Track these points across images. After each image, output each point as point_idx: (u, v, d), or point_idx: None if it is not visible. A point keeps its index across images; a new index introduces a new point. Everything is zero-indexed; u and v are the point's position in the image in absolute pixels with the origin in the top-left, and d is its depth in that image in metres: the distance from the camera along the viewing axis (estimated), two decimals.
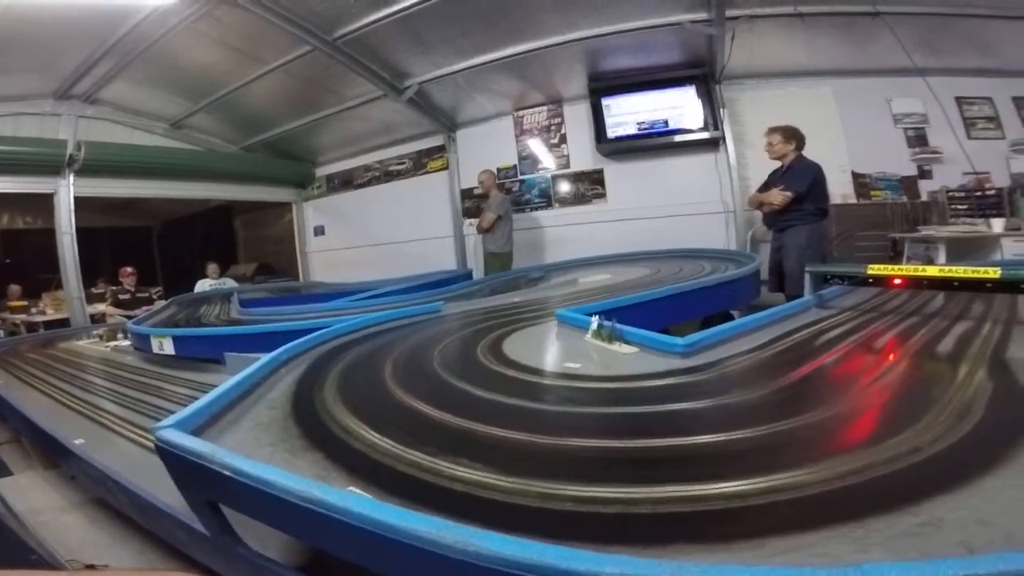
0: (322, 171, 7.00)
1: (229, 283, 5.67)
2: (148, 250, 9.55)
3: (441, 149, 6.01)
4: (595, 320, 1.64)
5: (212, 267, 5.80)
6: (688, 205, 4.87)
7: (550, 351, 1.66)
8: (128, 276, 5.25)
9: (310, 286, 6.18)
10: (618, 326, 1.57)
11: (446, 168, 5.97)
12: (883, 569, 0.40)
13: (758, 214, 3.94)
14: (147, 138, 5.70)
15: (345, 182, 6.80)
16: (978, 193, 4.14)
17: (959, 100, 4.50)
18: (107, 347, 3.17)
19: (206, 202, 7.58)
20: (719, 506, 0.68)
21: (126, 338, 3.12)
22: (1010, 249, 3.60)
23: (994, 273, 1.60)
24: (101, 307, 5.21)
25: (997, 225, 3.73)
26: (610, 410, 1.09)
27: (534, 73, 4.97)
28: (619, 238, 4.81)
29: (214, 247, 7.91)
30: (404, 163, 6.31)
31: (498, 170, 5.57)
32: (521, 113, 5.59)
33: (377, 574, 0.62)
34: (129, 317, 4.23)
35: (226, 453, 0.76)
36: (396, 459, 0.88)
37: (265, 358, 1.45)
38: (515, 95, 5.41)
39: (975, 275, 1.63)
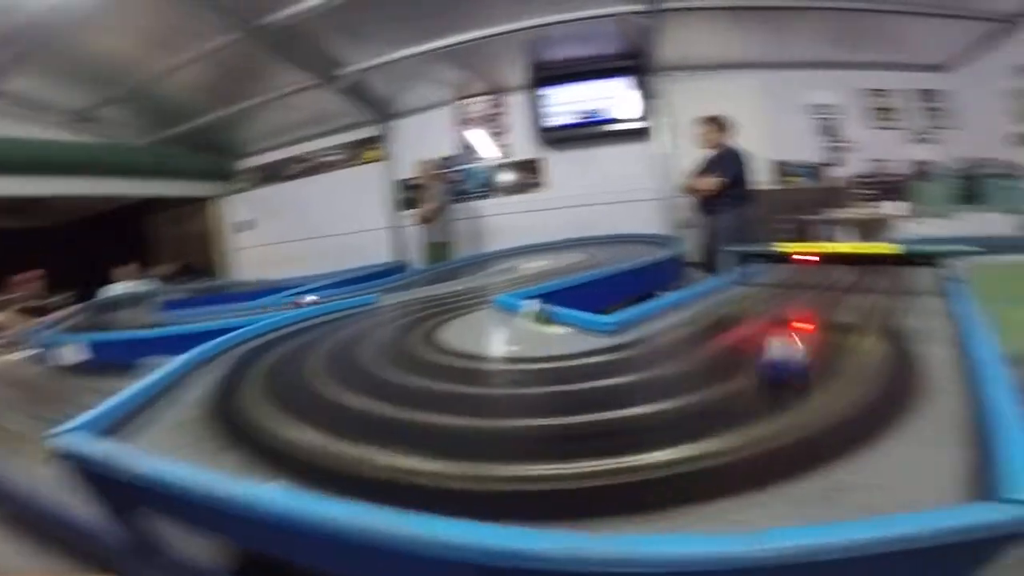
0: (248, 163, 6.60)
1: (148, 285, 5.26)
2: (56, 253, 8.68)
3: (377, 139, 5.84)
4: (530, 304, 1.65)
5: (128, 269, 5.35)
6: (623, 192, 5.01)
7: (486, 336, 1.66)
8: (32, 282, 4.76)
9: (239, 284, 5.83)
10: (551, 308, 1.59)
11: (383, 159, 5.81)
12: (785, 534, 0.42)
13: (688, 200, 4.11)
14: (47, 132, 5.14)
15: (273, 174, 6.45)
16: (879, 179, 4.52)
17: (866, 92, 4.88)
18: (11, 358, 2.86)
19: (119, 199, 7.00)
20: (643, 477, 0.69)
21: (34, 347, 2.82)
22: (906, 229, 3.96)
23: (892, 249, 1.77)
24: (1, 316, 4.69)
25: (893, 208, 4.09)
26: (541, 390, 1.09)
27: (476, 63, 4.91)
28: (559, 225, 4.86)
29: (130, 247, 7.31)
30: (338, 154, 6.07)
31: (438, 160, 5.49)
32: (462, 103, 5.53)
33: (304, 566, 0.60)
34: (37, 325, 3.83)
35: (133, 453, 0.73)
36: (320, 451, 0.85)
37: (180, 359, 1.37)
38: (456, 84, 5.33)
39: (876, 251, 1.79)
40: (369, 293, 2.42)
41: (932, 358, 1.02)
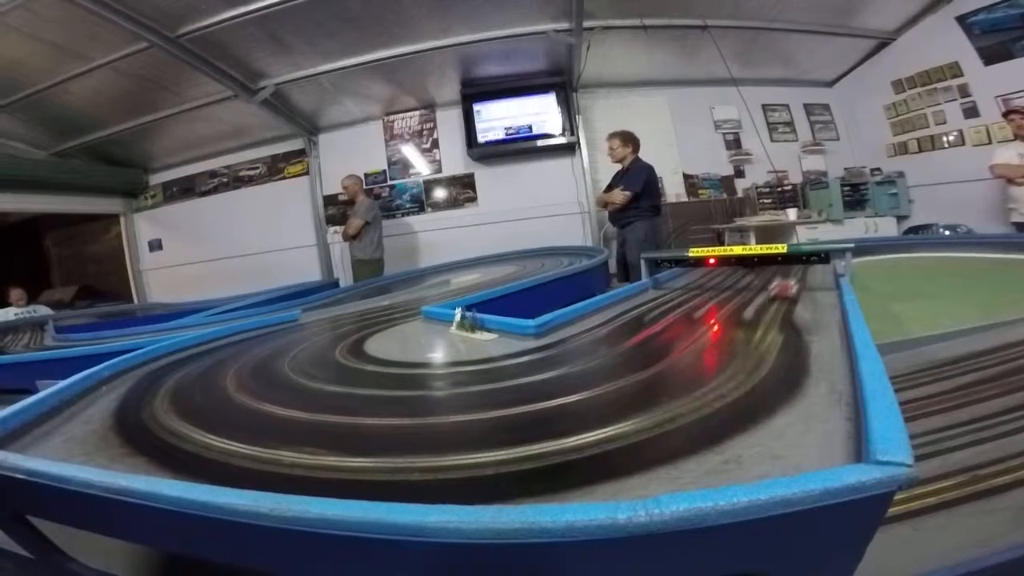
0: (157, 178, 6.14)
1: (42, 310, 4.75)
2: None
3: (301, 153, 5.65)
4: (458, 312, 1.66)
5: (16, 293, 4.81)
6: (550, 206, 5.16)
7: (413, 345, 1.65)
8: None
9: (147, 308, 5.37)
10: (478, 315, 1.61)
11: (306, 173, 5.63)
12: (677, 499, 0.44)
13: (602, 213, 4.29)
14: None
15: (186, 190, 6.04)
16: (779, 188, 4.97)
17: (764, 107, 5.34)
18: None
19: (5, 216, 6.30)
20: (557, 460, 0.72)
21: None
22: (804, 234, 4.38)
23: (782, 249, 1.97)
24: None
25: (792, 214, 4.52)
26: (466, 390, 1.11)
27: (406, 77, 4.90)
28: (490, 240, 4.94)
29: (19, 269, 6.57)
30: (257, 168, 5.80)
31: (366, 175, 5.40)
32: (392, 117, 5.49)
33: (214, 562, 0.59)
34: None
35: (25, 457, 0.68)
36: (231, 455, 0.81)
37: (81, 374, 1.25)
38: (386, 99, 5.29)
39: (769, 251, 1.98)
40: (291, 310, 2.33)
41: (821, 343, 1.12)
